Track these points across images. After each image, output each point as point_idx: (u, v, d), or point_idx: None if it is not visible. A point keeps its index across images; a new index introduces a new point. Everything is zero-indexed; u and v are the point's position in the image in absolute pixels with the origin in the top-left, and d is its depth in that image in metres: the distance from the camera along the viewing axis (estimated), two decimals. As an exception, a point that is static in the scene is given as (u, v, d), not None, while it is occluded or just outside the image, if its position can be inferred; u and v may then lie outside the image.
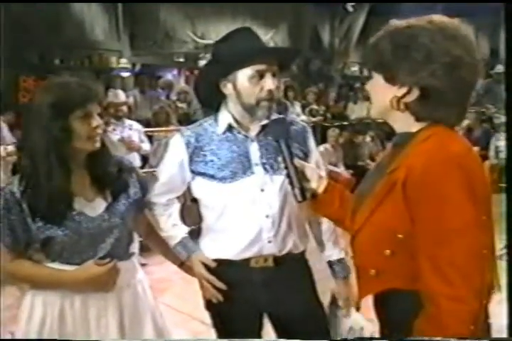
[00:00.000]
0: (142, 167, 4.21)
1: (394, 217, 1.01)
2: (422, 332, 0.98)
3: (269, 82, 1.39)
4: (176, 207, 1.63)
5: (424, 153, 0.98)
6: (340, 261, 1.59)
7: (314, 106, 7.21)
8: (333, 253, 1.59)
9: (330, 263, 1.59)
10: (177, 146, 1.50)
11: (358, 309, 1.74)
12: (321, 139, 6.13)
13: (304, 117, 6.67)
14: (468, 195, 0.94)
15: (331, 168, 5.72)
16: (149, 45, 7.73)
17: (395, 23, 1.04)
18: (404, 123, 1.07)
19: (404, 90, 1.02)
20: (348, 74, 9.94)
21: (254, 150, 1.47)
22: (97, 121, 1.33)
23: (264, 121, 1.44)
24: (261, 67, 1.39)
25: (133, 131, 4.15)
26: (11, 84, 6.26)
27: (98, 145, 1.36)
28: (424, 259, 0.98)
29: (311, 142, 1.57)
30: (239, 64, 1.39)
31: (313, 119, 6.86)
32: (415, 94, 1.01)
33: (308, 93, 7.46)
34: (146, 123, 5.31)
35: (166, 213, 1.58)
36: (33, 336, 1.35)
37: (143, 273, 1.55)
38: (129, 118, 4.25)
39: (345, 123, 6.73)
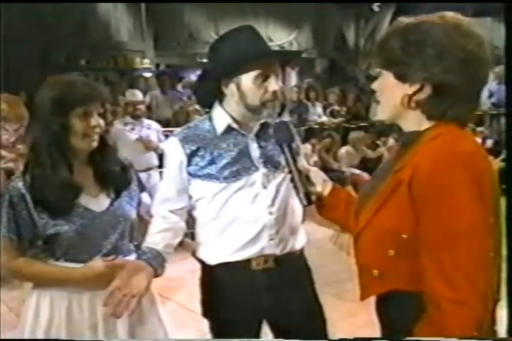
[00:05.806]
0: (160, 166, 4.23)
1: (398, 217, 0.98)
2: (423, 337, 0.94)
3: (273, 84, 1.39)
4: (177, 226, 1.47)
5: (432, 152, 0.96)
6: None
7: (336, 107, 7.12)
8: None
9: None
10: (175, 149, 1.46)
11: None
12: (343, 141, 6.05)
13: (325, 118, 6.59)
14: (476, 195, 0.91)
15: (353, 170, 5.65)
16: (173, 45, 7.81)
17: (404, 20, 1.03)
18: (414, 122, 1.04)
19: (415, 87, 0.99)
20: (372, 75, 9.82)
21: (254, 149, 1.45)
22: (95, 120, 1.35)
23: (263, 120, 1.45)
24: (264, 69, 1.37)
25: (151, 130, 4.17)
26: (38, 84, 6.40)
27: (95, 144, 1.37)
28: (428, 261, 0.95)
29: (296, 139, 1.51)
30: (242, 66, 1.37)
31: (335, 120, 6.78)
32: (427, 91, 0.99)
33: (329, 94, 7.38)
34: (166, 123, 5.35)
35: (161, 225, 1.44)
36: (41, 335, 1.35)
37: None
38: (150, 118, 4.27)
39: (367, 124, 6.61)
